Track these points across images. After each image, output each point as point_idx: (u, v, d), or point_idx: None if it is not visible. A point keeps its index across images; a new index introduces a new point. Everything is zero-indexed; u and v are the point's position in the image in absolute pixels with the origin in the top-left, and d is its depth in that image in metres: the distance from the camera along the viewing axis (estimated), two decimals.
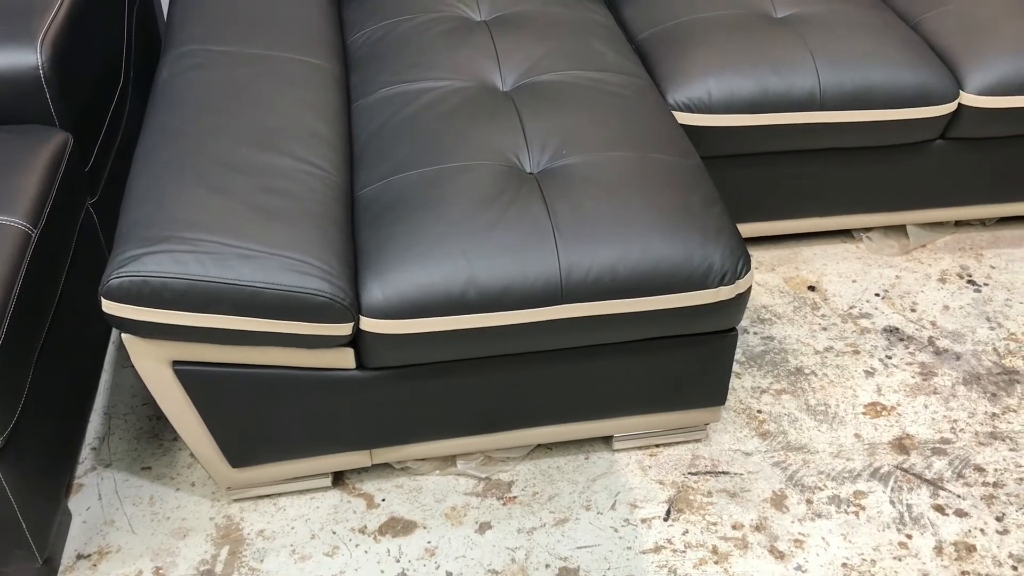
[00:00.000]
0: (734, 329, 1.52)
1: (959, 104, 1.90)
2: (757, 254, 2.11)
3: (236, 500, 1.58)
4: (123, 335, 1.31)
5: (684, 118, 1.83)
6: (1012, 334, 1.91)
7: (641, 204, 1.44)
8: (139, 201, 1.33)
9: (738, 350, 1.87)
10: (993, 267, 2.08)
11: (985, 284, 2.03)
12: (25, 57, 1.47)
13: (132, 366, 1.78)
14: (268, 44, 1.69)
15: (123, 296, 1.23)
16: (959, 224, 2.18)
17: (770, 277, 2.05)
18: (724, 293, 1.42)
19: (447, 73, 1.72)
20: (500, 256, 1.36)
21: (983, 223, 2.19)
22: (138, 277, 1.22)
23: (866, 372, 1.83)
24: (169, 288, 1.23)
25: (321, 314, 1.29)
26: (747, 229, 2.06)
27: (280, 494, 1.59)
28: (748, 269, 1.44)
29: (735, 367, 1.83)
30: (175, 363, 1.35)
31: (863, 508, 1.58)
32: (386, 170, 1.51)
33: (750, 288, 1.46)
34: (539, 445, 1.67)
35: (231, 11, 1.77)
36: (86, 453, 1.66)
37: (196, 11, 1.77)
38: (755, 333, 1.91)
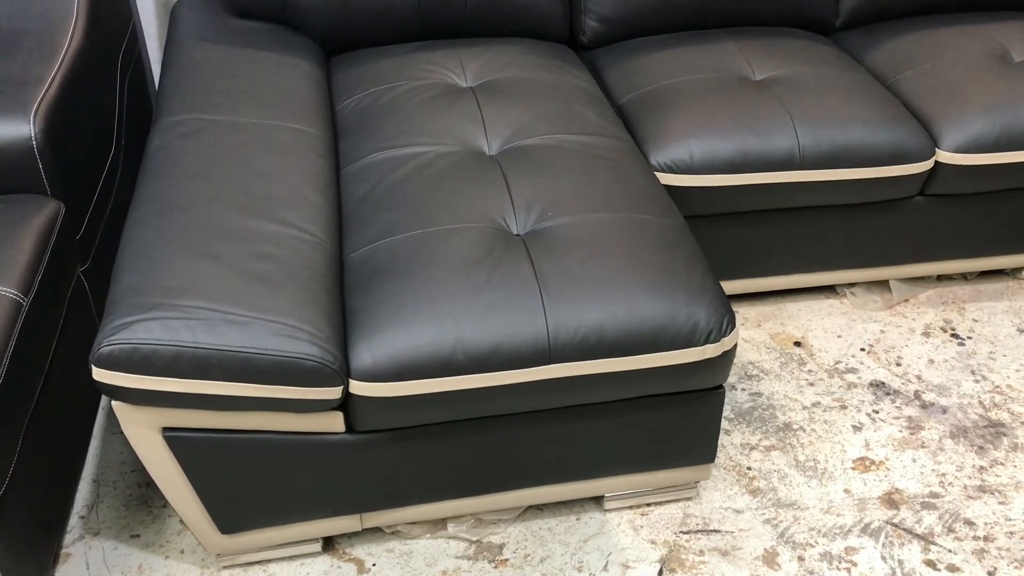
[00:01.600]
0: (721, 387, 1.54)
1: (935, 162, 1.94)
2: (743, 310, 2.13)
3: (226, 567, 1.57)
4: (113, 402, 1.31)
5: (667, 179, 1.86)
6: (997, 387, 1.93)
7: (626, 264, 1.46)
8: (129, 269, 1.34)
9: (727, 407, 1.88)
10: (976, 320, 2.10)
11: (968, 337, 2.06)
12: (18, 128, 1.50)
13: (122, 432, 1.77)
14: (258, 112, 1.73)
15: (113, 364, 1.24)
16: (941, 278, 2.21)
17: (756, 333, 2.06)
18: (710, 351, 1.44)
19: (434, 138, 1.75)
20: (488, 317, 1.37)
21: (964, 277, 2.22)
22: (128, 345, 1.23)
23: (854, 427, 1.84)
24: (159, 355, 1.24)
25: (311, 378, 1.29)
26: (732, 286, 2.08)
27: (270, 560, 1.58)
28: (733, 327, 1.46)
29: (724, 424, 1.84)
30: (165, 430, 1.35)
31: (855, 564, 1.57)
32: (374, 234, 1.53)
33: (735, 346, 1.48)
34: (530, 506, 1.67)
35: (222, 80, 1.81)
36: (74, 521, 1.64)
37: (187, 80, 1.81)
38: (743, 389, 1.92)
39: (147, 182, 1.54)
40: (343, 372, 1.32)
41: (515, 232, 1.55)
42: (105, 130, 1.84)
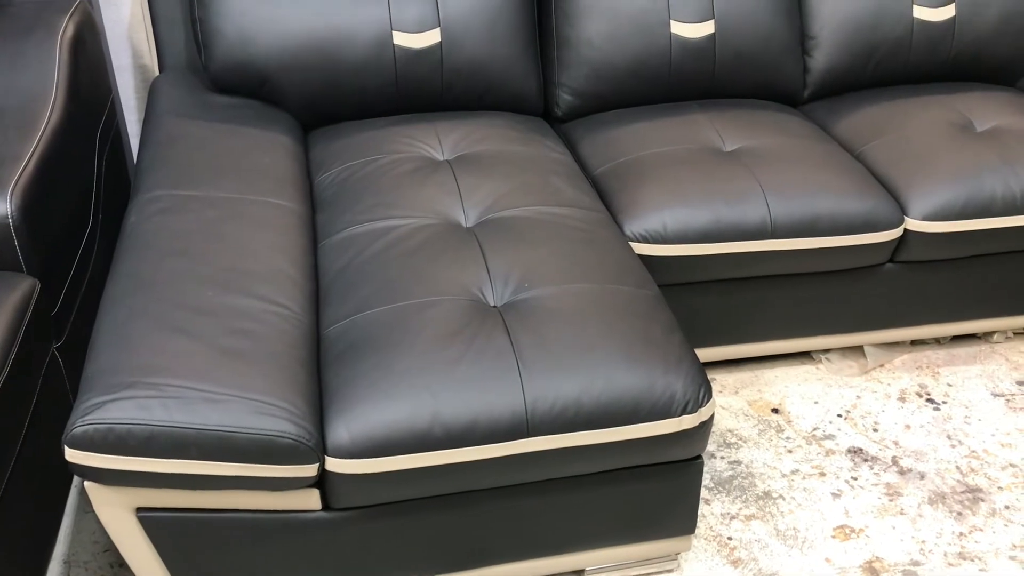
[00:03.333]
0: (699, 457, 1.54)
1: (904, 230, 1.97)
2: (720, 377, 2.14)
3: None
4: (85, 483, 1.29)
5: (641, 249, 1.89)
6: (973, 451, 1.94)
7: (603, 335, 1.47)
8: (104, 348, 1.34)
9: (706, 475, 1.87)
10: (950, 385, 2.12)
11: (944, 402, 2.07)
12: None
13: (94, 512, 1.74)
14: (235, 187, 1.74)
15: (87, 444, 1.22)
16: (915, 343, 2.24)
17: (734, 400, 2.07)
18: (687, 422, 1.44)
19: (411, 211, 1.77)
20: (465, 391, 1.37)
21: (937, 341, 2.25)
22: (103, 425, 1.22)
23: (833, 494, 1.84)
24: (134, 435, 1.23)
25: (287, 456, 1.28)
26: (709, 353, 2.09)
27: None
28: (709, 397, 1.47)
29: (704, 493, 1.83)
30: (139, 510, 1.33)
31: None
32: (351, 308, 1.53)
33: (712, 416, 1.48)
34: None
35: (199, 156, 1.82)
36: None
37: (165, 155, 1.82)
38: (722, 458, 1.92)
39: (123, 259, 1.54)
40: (319, 449, 1.31)
41: (492, 304, 1.56)
42: (82, 206, 1.85)
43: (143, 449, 1.24)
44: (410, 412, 1.35)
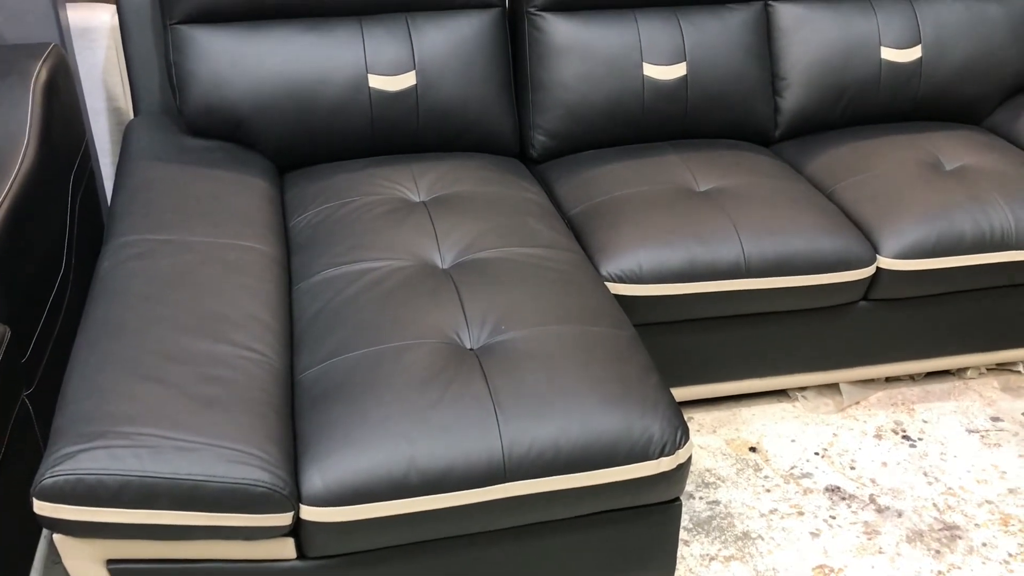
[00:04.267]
0: (678, 499, 1.53)
1: (877, 268, 1.99)
2: (698, 416, 2.14)
3: None
4: (54, 535, 1.27)
5: (617, 289, 1.89)
6: (949, 488, 1.95)
7: (580, 378, 1.47)
8: (76, 396, 1.32)
9: (685, 516, 1.87)
10: (925, 421, 2.13)
11: (919, 439, 2.08)
12: None
13: (63, 564, 1.71)
14: (211, 231, 1.73)
15: (56, 496, 1.20)
16: (890, 380, 2.25)
17: (712, 440, 2.07)
18: (665, 464, 1.44)
19: (387, 253, 1.76)
20: (441, 436, 1.36)
21: (912, 378, 2.26)
22: (72, 475, 1.20)
23: (811, 534, 1.84)
24: (105, 485, 1.21)
25: (261, 505, 1.27)
26: (686, 392, 2.10)
27: None
28: (687, 439, 1.46)
29: (683, 534, 1.82)
30: (109, 562, 1.31)
31: None
32: (326, 352, 1.53)
33: (690, 458, 1.48)
34: None
35: (174, 199, 1.81)
36: None
37: (139, 199, 1.82)
38: (701, 498, 1.91)
39: (96, 304, 1.52)
40: (294, 497, 1.29)
41: (468, 347, 1.55)
42: (55, 250, 1.83)
43: (114, 500, 1.22)
44: (386, 459, 1.33)
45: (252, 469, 1.26)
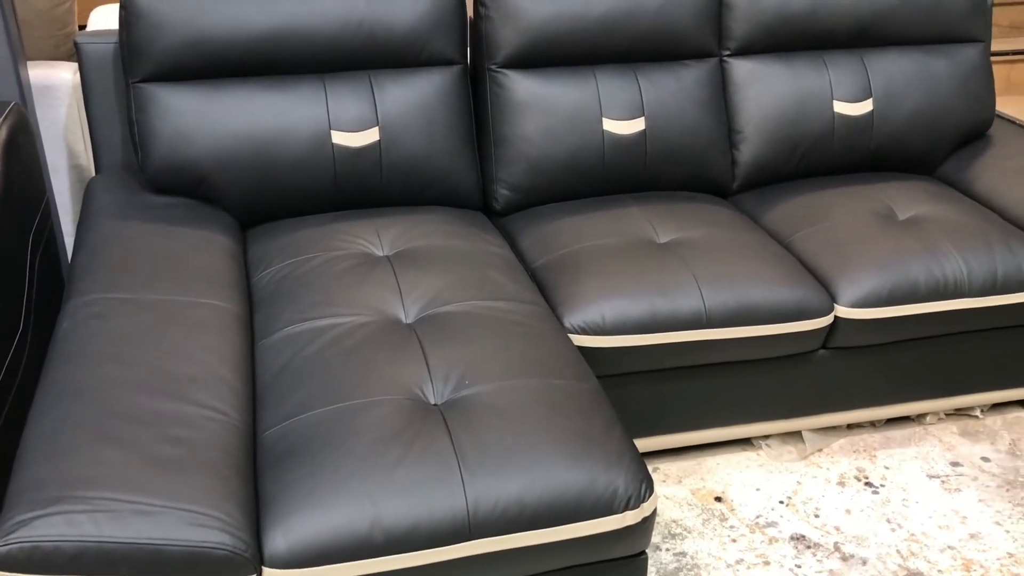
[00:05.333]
0: (644, 552, 1.53)
1: (834, 317, 2.03)
2: (664, 466, 2.15)
3: None
4: None
5: (580, 340, 1.91)
6: (912, 534, 1.96)
7: (544, 432, 1.48)
8: (31, 461, 1.30)
9: (652, 568, 1.86)
10: (887, 467, 2.16)
11: (882, 485, 2.10)
12: None
13: None
14: (172, 289, 1.72)
15: (11, 564, 1.18)
16: (851, 426, 2.28)
17: (678, 490, 2.08)
18: (630, 518, 1.44)
19: (350, 308, 1.77)
20: (405, 495, 1.36)
21: (873, 424, 2.29)
22: (28, 543, 1.18)
23: None
24: (61, 552, 1.19)
25: (223, 568, 1.25)
26: (651, 443, 2.10)
27: None
28: (651, 491, 1.47)
29: None
30: None
31: None
32: (289, 411, 1.52)
33: (655, 511, 1.48)
34: None
35: (135, 258, 1.81)
36: None
37: (100, 258, 1.81)
38: (667, 549, 1.91)
39: (54, 366, 1.51)
40: (256, 560, 1.28)
41: (432, 402, 1.55)
42: (12, 310, 1.81)
43: (71, 567, 1.20)
44: (349, 518, 1.33)
45: (213, 532, 1.25)
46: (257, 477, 1.43)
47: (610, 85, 2.24)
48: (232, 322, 1.71)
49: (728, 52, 2.36)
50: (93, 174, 2.22)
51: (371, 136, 2.12)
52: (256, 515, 1.35)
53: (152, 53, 1.99)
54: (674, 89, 2.27)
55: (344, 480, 1.36)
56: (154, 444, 1.35)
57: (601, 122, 2.23)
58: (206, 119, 2.03)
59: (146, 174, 2.05)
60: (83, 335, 1.57)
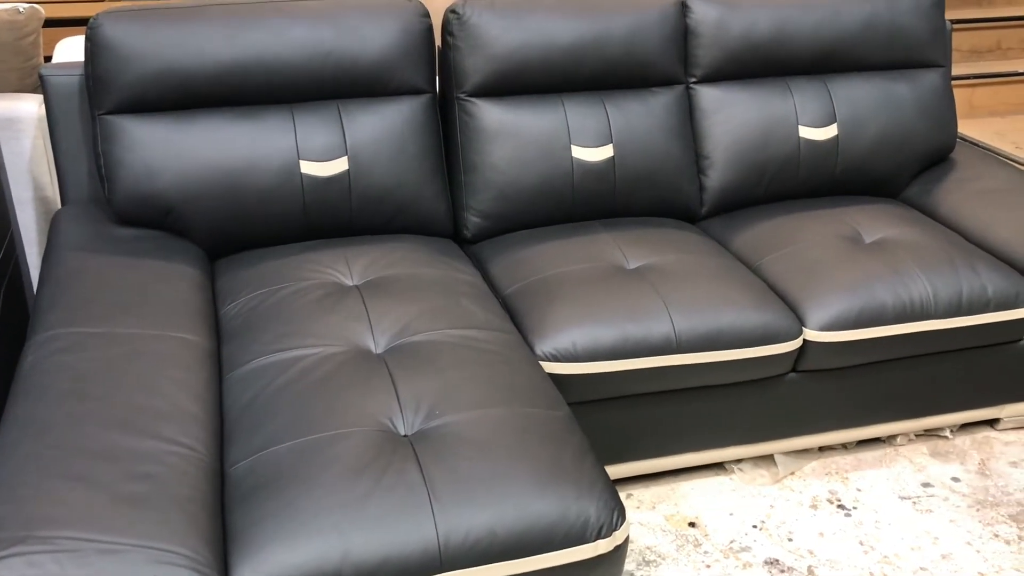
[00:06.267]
0: None
1: (803, 340, 2.04)
2: (637, 492, 2.14)
3: None
4: None
5: (552, 368, 1.90)
6: (885, 556, 1.97)
7: (515, 461, 1.47)
8: None
9: None
10: (859, 489, 2.17)
11: (854, 507, 2.11)
12: None
13: None
14: (138, 322, 1.71)
15: None
16: (823, 449, 2.29)
17: (651, 516, 2.07)
18: (603, 546, 1.44)
19: (320, 340, 1.76)
20: (375, 528, 1.34)
21: (844, 446, 2.30)
22: None
23: None
24: None
25: None
26: (625, 469, 2.10)
27: None
28: (623, 519, 1.47)
29: None
30: None
31: None
32: (258, 444, 1.50)
33: (627, 539, 1.48)
34: None
35: (101, 291, 1.79)
36: None
37: (65, 292, 1.78)
38: None
39: (18, 402, 1.48)
40: None
41: (403, 433, 1.54)
42: None
43: None
44: (319, 553, 1.31)
45: (180, 570, 1.23)
46: (225, 512, 1.41)
47: (578, 112, 2.26)
48: (200, 355, 1.69)
49: (695, 79, 2.38)
50: (59, 206, 2.20)
51: (340, 165, 2.11)
52: (224, 551, 1.33)
53: (118, 85, 1.98)
54: (642, 116, 2.29)
55: (313, 514, 1.35)
56: (119, 481, 1.33)
57: (570, 149, 2.24)
58: (173, 150, 2.02)
59: (113, 206, 2.04)
60: (48, 370, 1.55)
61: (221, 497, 1.43)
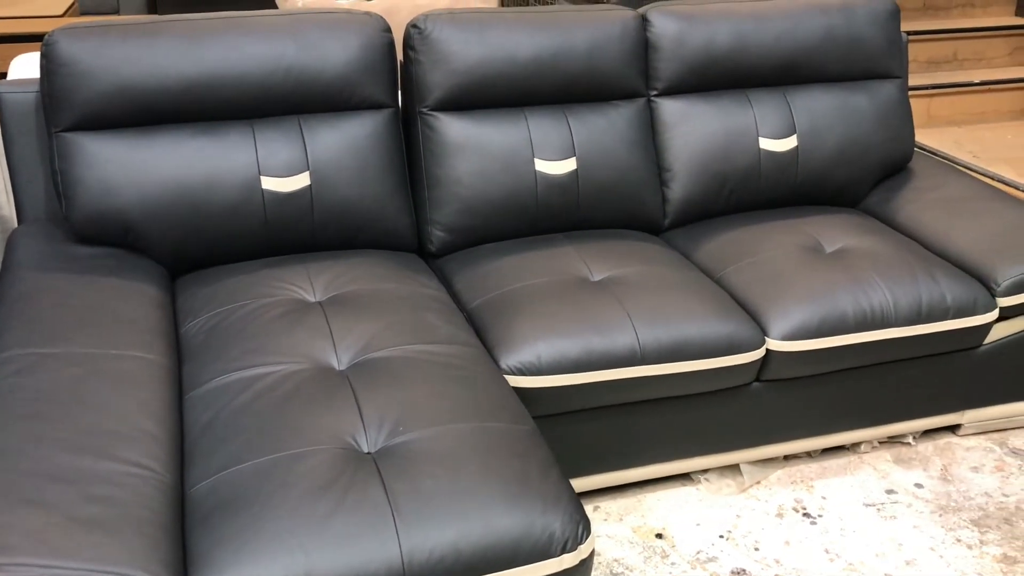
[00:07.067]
0: None
1: (766, 350, 2.06)
2: (604, 505, 2.14)
3: None
4: None
5: (517, 381, 1.90)
6: (850, 563, 1.98)
7: (479, 477, 1.46)
8: None
9: None
10: (824, 497, 2.18)
11: (819, 515, 2.12)
12: None
13: None
14: (96, 342, 1.68)
15: None
16: (788, 458, 2.30)
17: (619, 528, 2.07)
18: (568, 560, 1.43)
19: (282, 357, 1.74)
20: (339, 547, 1.33)
21: (809, 455, 2.32)
22: None
23: None
24: None
25: None
26: (591, 481, 2.10)
27: None
28: (588, 533, 1.46)
29: None
30: None
31: None
32: (219, 464, 1.48)
33: (593, 552, 1.48)
34: None
35: (59, 310, 1.76)
36: None
37: (21, 312, 1.76)
38: None
39: None
40: None
41: (366, 451, 1.53)
42: None
43: None
44: (282, 572, 1.30)
45: None
46: (186, 534, 1.39)
47: (541, 126, 2.27)
48: (159, 374, 1.67)
49: (656, 92, 2.40)
50: (15, 225, 2.17)
51: (302, 181, 2.10)
52: (185, 574, 1.31)
53: (75, 102, 1.96)
54: (604, 129, 2.30)
55: (275, 534, 1.33)
56: (76, 504, 1.30)
57: (533, 163, 2.24)
58: (132, 167, 2.00)
59: (71, 224, 2.01)
60: (2, 392, 1.52)
61: (181, 519, 1.41)
